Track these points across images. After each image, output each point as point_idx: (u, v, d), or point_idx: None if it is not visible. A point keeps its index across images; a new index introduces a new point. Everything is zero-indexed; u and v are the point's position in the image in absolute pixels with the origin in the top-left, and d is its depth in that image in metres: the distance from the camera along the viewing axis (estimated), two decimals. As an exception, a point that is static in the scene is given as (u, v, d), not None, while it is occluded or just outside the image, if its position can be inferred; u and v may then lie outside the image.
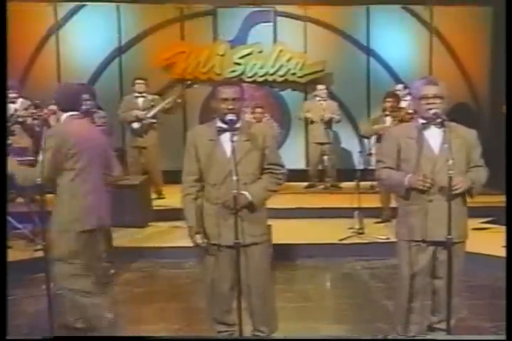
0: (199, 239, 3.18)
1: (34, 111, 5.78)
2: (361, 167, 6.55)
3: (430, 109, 3.10)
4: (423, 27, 9.28)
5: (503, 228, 4.62)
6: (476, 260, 4.21)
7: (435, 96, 3.12)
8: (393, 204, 4.92)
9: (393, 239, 3.42)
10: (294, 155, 8.73)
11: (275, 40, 9.25)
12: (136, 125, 7.42)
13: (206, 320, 3.47)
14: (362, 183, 6.27)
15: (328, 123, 8.26)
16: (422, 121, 3.21)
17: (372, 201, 6.50)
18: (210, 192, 3.18)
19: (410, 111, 5.80)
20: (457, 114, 3.99)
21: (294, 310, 4.31)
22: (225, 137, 3.09)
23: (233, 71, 9.12)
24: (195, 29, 9.18)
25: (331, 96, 8.75)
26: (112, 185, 3.76)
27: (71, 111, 3.55)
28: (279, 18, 9.22)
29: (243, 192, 3.08)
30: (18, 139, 5.87)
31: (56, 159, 3.32)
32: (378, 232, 6.03)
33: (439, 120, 3.10)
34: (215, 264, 3.22)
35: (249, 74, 9.14)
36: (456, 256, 3.11)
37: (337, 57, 9.14)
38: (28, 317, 4.11)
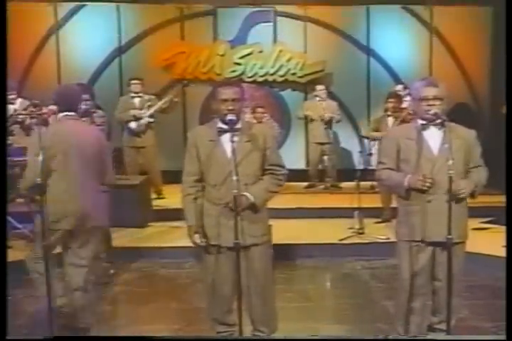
0: (198, 238, 3.18)
1: (33, 109, 5.78)
2: (361, 167, 6.55)
3: (430, 110, 3.10)
4: (423, 27, 9.26)
5: (503, 228, 4.62)
6: (476, 260, 4.21)
7: (435, 98, 3.12)
8: (394, 204, 4.92)
9: (393, 239, 3.42)
10: (294, 155, 8.73)
11: (275, 40, 9.24)
12: (133, 125, 7.41)
13: (206, 320, 3.47)
14: (362, 183, 6.27)
15: (328, 123, 8.25)
16: (421, 121, 3.21)
17: (373, 201, 6.50)
18: (210, 193, 3.18)
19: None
20: (457, 114, 4.00)
21: (294, 310, 4.31)
22: (226, 138, 3.09)
23: (233, 71, 9.11)
24: (195, 29, 9.18)
25: (331, 96, 8.75)
26: (109, 186, 3.76)
27: (69, 111, 3.56)
28: (279, 18, 9.21)
29: (245, 193, 3.09)
30: (18, 139, 5.87)
31: (41, 159, 3.36)
32: (378, 232, 6.03)
33: (438, 120, 3.10)
34: (216, 265, 3.21)
35: (250, 74, 9.14)
36: (456, 256, 3.11)
37: (337, 57, 9.14)
38: (28, 317, 4.11)
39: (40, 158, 3.25)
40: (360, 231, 6.02)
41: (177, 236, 5.82)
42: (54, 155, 3.40)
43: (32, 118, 5.82)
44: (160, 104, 7.45)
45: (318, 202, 7.51)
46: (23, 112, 5.96)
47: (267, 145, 3.21)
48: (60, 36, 9.00)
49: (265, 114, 7.84)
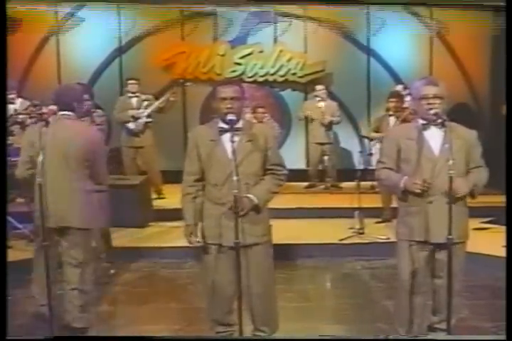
0: (193, 238, 3.19)
1: (33, 109, 5.78)
2: (361, 167, 6.55)
3: (430, 109, 3.10)
4: (423, 27, 9.26)
5: (503, 228, 4.62)
6: (476, 260, 4.20)
7: (435, 97, 3.12)
8: (394, 204, 4.92)
9: (393, 239, 3.42)
10: (294, 156, 8.72)
11: (275, 40, 9.24)
12: (132, 125, 7.41)
13: (206, 320, 3.47)
14: (362, 183, 6.27)
15: (328, 126, 8.27)
16: (422, 121, 3.21)
17: (373, 201, 6.49)
18: (211, 192, 3.19)
19: (413, 111, 5.81)
20: (457, 114, 3.99)
21: (294, 310, 4.31)
22: (227, 137, 3.09)
23: (233, 71, 9.11)
24: (196, 29, 9.17)
25: (331, 96, 8.75)
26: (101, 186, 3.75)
27: (66, 110, 3.55)
28: (279, 18, 9.21)
29: (248, 195, 3.09)
30: (18, 139, 5.86)
31: (25, 157, 3.54)
32: (379, 232, 6.03)
33: (439, 120, 3.10)
34: (216, 265, 3.21)
35: (250, 75, 9.13)
36: (457, 256, 3.11)
37: (337, 57, 9.13)
38: (28, 317, 4.11)
39: (41, 158, 3.26)
40: (361, 231, 6.02)
41: (177, 236, 5.79)
42: (39, 154, 3.38)
43: (31, 118, 5.82)
44: (157, 103, 7.45)
45: (318, 202, 7.51)
46: (23, 112, 5.96)
47: (268, 145, 3.21)
48: (60, 36, 9.00)
49: (265, 114, 7.84)
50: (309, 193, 8.26)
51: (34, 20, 8.78)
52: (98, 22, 8.97)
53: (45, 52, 9.00)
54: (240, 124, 3.14)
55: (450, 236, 2.99)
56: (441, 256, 3.16)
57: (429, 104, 3.11)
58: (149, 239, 6.17)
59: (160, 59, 9.06)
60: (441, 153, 3.11)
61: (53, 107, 4.22)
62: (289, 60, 9.15)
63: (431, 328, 3.39)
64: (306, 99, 9.16)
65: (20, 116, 5.94)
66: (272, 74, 9.18)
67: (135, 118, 7.38)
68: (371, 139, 6.67)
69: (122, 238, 5.91)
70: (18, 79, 8.05)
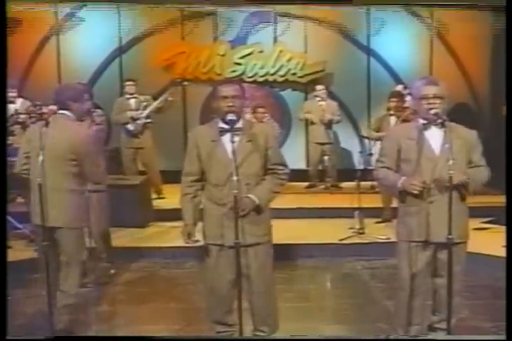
0: (191, 237, 3.19)
1: (33, 109, 5.79)
2: (361, 167, 6.55)
3: (431, 109, 3.10)
4: (423, 27, 9.27)
5: (503, 228, 4.62)
6: (476, 260, 4.19)
7: (435, 97, 3.12)
8: (394, 204, 4.92)
9: (394, 239, 3.42)
10: (294, 156, 8.71)
11: (275, 40, 9.25)
12: (131, 126, 7.40)
13: (206, 320, 3.47)
14: (362, 183, 6.27)
15: (328, 124, 8.27)
16: (422, 121, 3.21)
17: (373, 201, 6.50)
18: (212, 193, 3.18)
19: (414, 111, 5.80)
20: (457, 114, 3.99)
21: (294, 310, 4.31)
22: (227, 138, 3.08)
23: (234, 71, 9.11)
24: (196, 29, 9.17)
25: (331, 96, 8.75)
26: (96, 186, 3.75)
27: (64, 110, 3.55)
28: (279, 18, 9.21)
29: (249, 195, 3.09)
30: (18, 139, 5.86)
31: (22, 154, 3.60)
32: (379, 232, 6.02)
33: (439, 120, 3.10)
34: (216, 265, 3.21)
35: (250, 75, 9.14)
36: (457, 256, 3.11)
37: (337, 57, 9.14)
38: (28, 317, 4.11)
39: (41, 158, 3.25)
40: (361, 231, 6.02)
41: (177, 236, 5.76)
42: (37, 153, 3.37)
43: (31, 117, 5.83)
44: (155, 104, 7.45)
45: (318, 202, 7.51)
46: (24, 112, 5.97)
47: (269, 145, 3.21)
48: (60, 36, 9.00)
49: (266, 114, 7.84)
50: (309, 193, 8.26)
51: (34, 21, 8.78)
52: (98, 22, 8.98)
53: (45, 52, 9.00)
54: (240, 124, 3.14)
55: (450, 236, 2.99)
56: (442, 255, 3.16)
57: (429, 103, 3.11)
58: (149, 239, 6.17)
59: (160, 59, 9.07)
60: (442, 153, 3.10)
61: (53, 107, 4.22)
62: (289, 60, 9.15)
63: (431, 328, 3.39)
64: (306, 99, 9.17)
65: (21, 116, 5.95)
66: (272, 74, 9.18)
67: (134, 120, 7.38)
68: (373, 139, 6.65)
69: (122, 238, 5.91)
70: (18, 79, 8.05)
